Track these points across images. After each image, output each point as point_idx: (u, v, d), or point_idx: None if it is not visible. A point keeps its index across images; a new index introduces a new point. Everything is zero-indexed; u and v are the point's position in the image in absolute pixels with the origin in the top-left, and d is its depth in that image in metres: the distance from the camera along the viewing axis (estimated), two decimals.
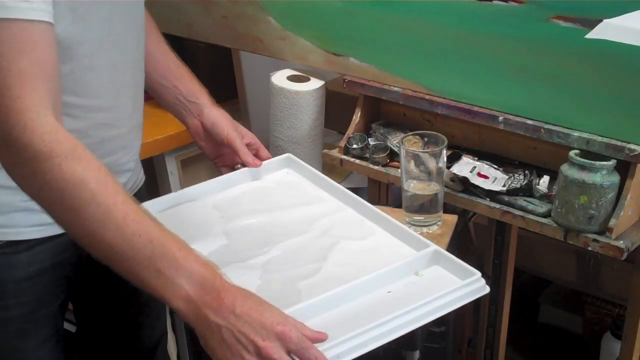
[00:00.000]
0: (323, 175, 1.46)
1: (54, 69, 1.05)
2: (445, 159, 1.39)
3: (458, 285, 1.12)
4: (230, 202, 1.44)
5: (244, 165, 1.49)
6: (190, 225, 1.35)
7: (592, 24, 1.41)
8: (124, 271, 1.01)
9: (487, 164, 1.61)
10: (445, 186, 1.52)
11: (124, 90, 1.32)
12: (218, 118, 1.47)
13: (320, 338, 1.00)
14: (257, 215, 1.38)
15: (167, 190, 2.25)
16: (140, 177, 1.51)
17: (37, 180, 1.00)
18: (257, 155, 1.50)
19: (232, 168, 1.51)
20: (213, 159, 1.53)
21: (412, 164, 1.39)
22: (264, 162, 1.49)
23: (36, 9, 1.03)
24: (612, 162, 1.38)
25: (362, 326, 1.03)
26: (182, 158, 2.30)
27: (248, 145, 1.48)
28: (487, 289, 1.14)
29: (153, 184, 2.27)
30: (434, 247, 1.21)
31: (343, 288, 1.13)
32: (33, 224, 1.24)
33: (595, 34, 1.41)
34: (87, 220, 0.99)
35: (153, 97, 1.52)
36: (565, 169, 1.42)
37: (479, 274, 1.13)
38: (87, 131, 1.26)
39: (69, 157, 0.99)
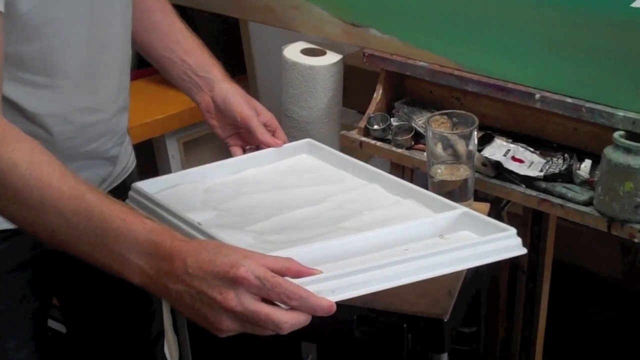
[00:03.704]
0: (347, 156, 1.42)
1: None
2: (475, 142, 1.40)
3: (485, 239, 1.08)
4: (234, 183, 1.40)
5: (257, 147, 1.46)
6: (184, 203, 1.30)
7: None
8: (80, 256, 1.01)
9: (522, 147, 1.61)
10: (476, 171, 1.53)
11: (107, 71, 1.31)
12: (230, 93, 1.46)
13: (309, 272, 0.96)
14: (263, 193, 1.34)
15: None
16: (130, 162, 1.51)
17: None
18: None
19: (243, 149, 1.49)
20: (224, 138, 1.51)
21: (439, 147, 1.40)
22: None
23: None
24: None
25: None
26: (184, 140, 2.31)
27: (265, 126, 1.46)
28: (523, 250, 1.08)
29: (152, 169, 2.28)
30: (463, 208, 1.18)
31: (353, 238, 1.10)
32: None
33: None
34: (25, 207, 1.00)
35: (160, 72, 1.52)
36: (608, 152, 1.41)
37: (513, 230, 1.09)
38: (65, 116, 1.26)
39: None
